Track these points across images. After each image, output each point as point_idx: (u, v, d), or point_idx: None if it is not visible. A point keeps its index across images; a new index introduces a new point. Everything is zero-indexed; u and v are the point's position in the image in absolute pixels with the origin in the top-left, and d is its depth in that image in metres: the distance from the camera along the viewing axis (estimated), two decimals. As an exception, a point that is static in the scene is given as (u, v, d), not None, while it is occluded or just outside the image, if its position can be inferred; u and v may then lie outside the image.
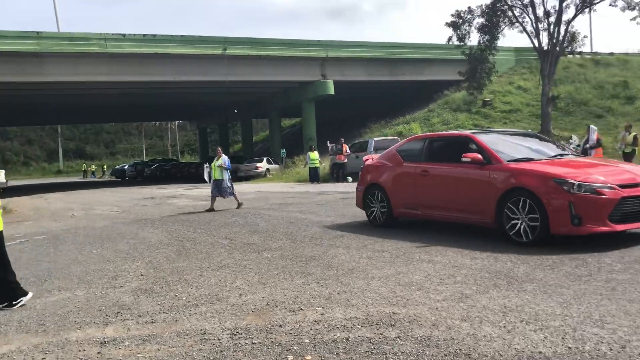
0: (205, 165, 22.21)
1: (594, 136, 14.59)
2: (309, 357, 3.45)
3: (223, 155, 14.03)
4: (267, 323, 4.16)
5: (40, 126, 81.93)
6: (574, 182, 6.12)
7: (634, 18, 25.18)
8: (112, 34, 27.83)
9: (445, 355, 3.31)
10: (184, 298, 5.06)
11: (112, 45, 27.55)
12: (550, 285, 4.70)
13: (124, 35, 28.10)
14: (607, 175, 6.36)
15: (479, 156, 7.06)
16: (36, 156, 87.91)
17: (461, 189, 7.37)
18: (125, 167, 53.09)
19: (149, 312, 4.66)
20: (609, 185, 6.11)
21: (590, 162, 7.56)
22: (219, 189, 13.44)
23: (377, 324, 3.95)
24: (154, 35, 28.86)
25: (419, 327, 3.83)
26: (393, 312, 4.20)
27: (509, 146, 7.57)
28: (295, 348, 3.62)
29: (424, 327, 3.82)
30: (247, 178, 31.32)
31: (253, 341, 3.79)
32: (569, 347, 3.31)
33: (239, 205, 13.44)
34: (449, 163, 7.70)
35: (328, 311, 4.34)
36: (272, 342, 3.76)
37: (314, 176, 23.98)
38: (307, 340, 3.73)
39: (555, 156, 7.48)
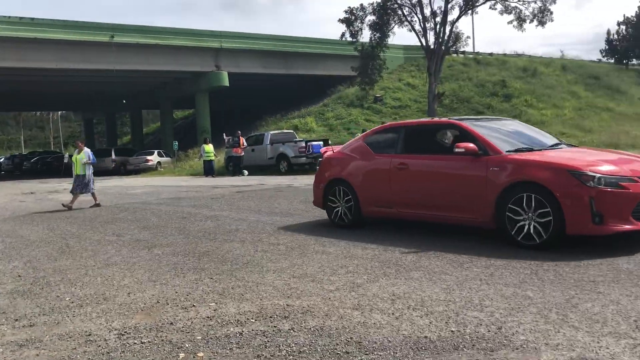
0: (64, 157, 21.04)
1: None
2: (201, 354, 3.39)
3: (85, 148, 12.92)
4: (157, 321, 4.02)
5: None
6: (595, 174, 5.36)
7: (511, 21, 27.12)
8: (-17, 15, 25.54)
9: (337, 344, 3.38)
10: (67, 299, 4.76)
11: (-16, 28, 25.29)
12: (435, 272, 4.96)
13: (-3, 16, 25.88)
14: (621, 165, 5.69)
15: (474, 146, 6.13)
16: None
17: (449, 184, 6.46)
18: (1, 160, 48.99)
19: (27, 315, 4.33)
20: (631, 177, 5.43)
21: (597, 151, 6.82)
22: (81, 185, 12.55)
23: (270, 317, 3.95)
24: (32, 19, 26.84)
25: (312, 318, 3.88)
26: (287, 305, 4.23)
27: (500, 134, 6.65)
28: (187, 345, 3.53)
29: (317, 318, 3.88)
30: (137, 172, 30.14)
31: (142, 340, 3.65)
32: (452, 331, 3.50)
33: (96, 204, 12.49)
34: (432, 155, 6.99)
35: (221, 306, 4.28)
36: (162, 340, 3.64)
37: (209, 170, 23.55)
38: (199, 337, 3.65)
39: (554, 145, 6.73)
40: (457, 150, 6.18)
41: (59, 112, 70.99)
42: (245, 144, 23.56)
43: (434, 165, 6.74)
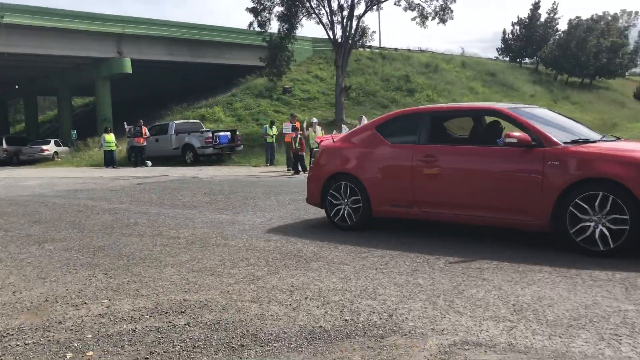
0: None
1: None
2: (91, 353, 3.26)
3: None
4: (44, 321, 3.82)
5: None
6: None
7: (414, 18, 28.06)
8: None
9: (233, 338, 3.38)
10: (-58, 301, 4.41)
11: None
12: (334, 262, 5.07)
13: None
14: None
15: (527, 137, 5.34)
16: None
17: (494, 181, 5.56)
18: None
19: None
20: None
21: None
22: None
23: (166, 313, 3.88)
24: None
25: (209, 312, 3.85)
26: (184, 299, 4.16)
27: (546, 125, 5.74)
28: (75, 345, 3.39)
29: (214, 312, 3.85)
30: (32, 162, 28.32)
31: (26, 342, 3.46)
32: (346, 320, 3.61)
33: None
34: (468, 146, 6.20)
35: (115, 303, 4.14)
36: (48, 340, 3.46)
37: (110, 160, 22.56)
38: (89, 336, 3.51)
39: (604, 136, 6.00)
40: (508, 140, 5.36)
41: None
42: (147, 133, 22.76)
43: (472, 159, 5.83)
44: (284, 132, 18.04)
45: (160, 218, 8.08)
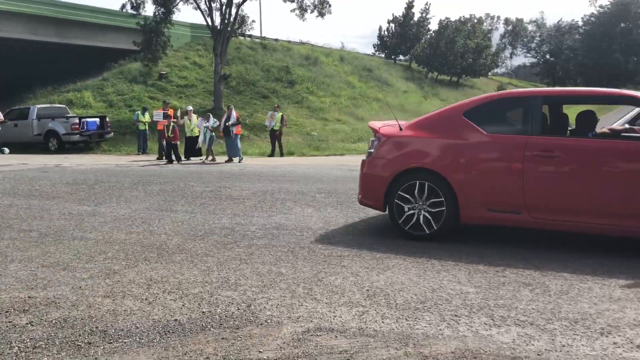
0: None
1: (234, 114, 16.00)
2: None
3: None
4: None
5: None
6: None
7: (294, 10, 28.23)
8: None
9: (80, 335, 3.20)
10: None
11: None
12: (198, 254, 4.98)
13: None
14: None
15: None
16: None
17: (632, 181, 4.72)
18: None
19: None
20: None
21: None
22: None
23: (7, 312, 3.58)
24: None
25: (56, 310, 3.61)
26: (29, 297, 3.87)
27: None
28: None
29: (62, 309, 3.62)
30: None
31: None
32: (203, 312, 3.56)
33: None
34: (605, 139, 4.99)
35: (-54, 304, 3.75)
36: None
37: (-41, 146, 20.37)
38: None
39: None
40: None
41: None
42: (1, 117, 20.84)
43: (616, 155, 4.84)
44: (154, 119, 17.40)
45: (12, 209, 7.44)
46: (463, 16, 61.54)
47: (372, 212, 6.86)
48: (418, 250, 5.02)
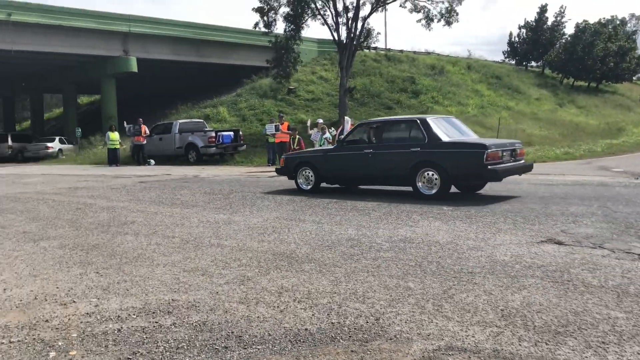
0: None
1: (347, 127, 15.74)
2: (74, 352, 3.25)
3: None
4: (31, 319, 3.82)
5: None
6: None
7: (420, 20, 27.99)
8: None
9: (217, 339, 3.36)
10: None
11: None
12: (326, 264, 5.05)
13: None
14: None
15: None
16: None
17: None
18: None
19: None
20: None
21: None
22: None
23: (153, 313, 3.87)
24: None
25: (196, 313, 3.84)
26: (172, 299, 4.15)
27: None
28: (60, 344, 3.38)
29: (201, 312, 3.84)
30: (36, 159, 28.44)
31: (11, 340, 3.45)
32: (332, 323, 3.58)
33: None
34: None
35: (103, 302, 4.13)
36: (34, 339, 3.46)
37: (113, 158, 22.63)
38: (74, 335, 3.51)
39: None
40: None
41: (-51, 92, 65.35)
42: (147, 131, 22.81)
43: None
44: (266, 132, 17.99)
45: (158, 217, 8.08)
46: (603, 18, 57.05)
47: (504, 227, 6.55)
48: (557, 269, 4.69)
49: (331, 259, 5.23)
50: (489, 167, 8.49)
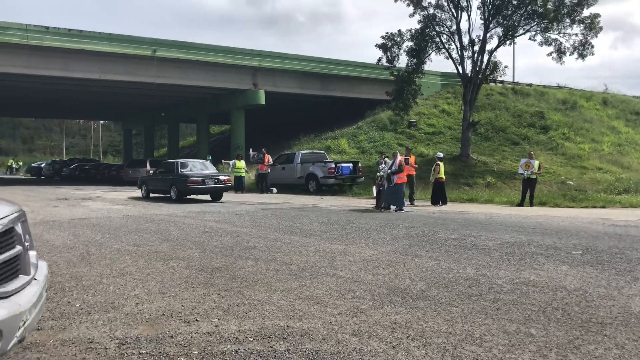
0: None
1: (397, 161, 15.13)
2: (195, 369, 3.43)
3: None
4: (158, 333, 4.09)
5: (-49, 116, 76.67)
6: None
7: (550, 53, 26.78)
8: (35, 26, 26.57)
9: (329, 369, 3.39)
10: (77, 305, 4.89)
11: (34, 38, 26.29)
12: (441, 303, 4.91)
13: (47, 27, 26.91)
14: None
15: None
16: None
17: None
18: (42, 165, 50.49)
19: (36, 319, 4.46)
20: None
21: None
22: None
23: (269, 337, 3.98)
24: (80, 31, 27.82)
25: (309, 341, 3.89)
26: (287, 326, 4.25)
27: None
28: (182, 359, 3.59)
29: (315, 341, 3.89)
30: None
31: (141, 351, 3.72)
32: (446, 364, 3.47)
33: None
34: None
35: (223, 323, 4.33)
36: (159, 352, 3.70)
37: (239, 185, 23.79)
38: (195, 352, 3.70)
39: None
40: None
41: (101, 121, 72.99)
42: (270, 160, 23.77)
43: None
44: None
45: (277, 244, 8.35)
46: None
47: (643, 276, 5.98)
48: None
49: (447, 298, 5.08)
50: None
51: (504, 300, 5.00)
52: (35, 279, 3.07)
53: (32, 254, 3.21)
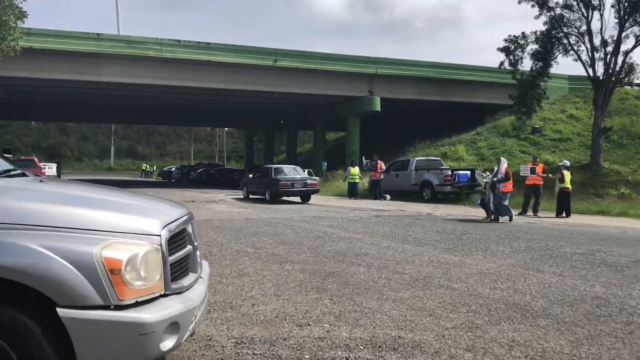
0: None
1: (502, 169, 14.01)
2: (305, 373, 3.48)
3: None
4: (272, 335, 4.20)
5: (96, 124, 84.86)
6: None
7: (697, 52, 24.24)
8: (168, 40, 28.69)
9: (441, 385, 3.28)
10: (199, 303, 5.15)
11: (167, 51, 28.41)
12: (565, 322, 4.58)
13: (179, 41, 28.94)
14: None
15: None
16: (89, 152, 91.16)
17: None
18: (172, 169, 54.33)
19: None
20: None
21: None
22: None
23: (380, 347, 3.94)
24: (208, 43, 29.61)
25: (420, 353, 3.80)
26: (399, 336, 4.18)
27: None
28: (293, 363, 3.65)
29: (426, 354, 3.79)
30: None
31: (255, 352, 3.84)
32: (570, 389, 3.22)
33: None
34: None
35: (334, 329, 4.35)
36: (273, 354, 3.80)
37: (352, 191, 23.98)
38: (307, 356, 3.75)
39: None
40: None
41: (225, 128, 77.08)
42: (383, 167, 23.65)
43: None
44: (522, 174, 16.82)
45: (389, 252, 8.28)
46: None
47: None
48: None
49: (572, 317, 4.73)
50: None
51: (638, 323, 4.56)
52: (201, 277, 3.30)
53: (197, 253, 3.43)
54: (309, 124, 42.83)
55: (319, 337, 4.14)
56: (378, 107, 32.97)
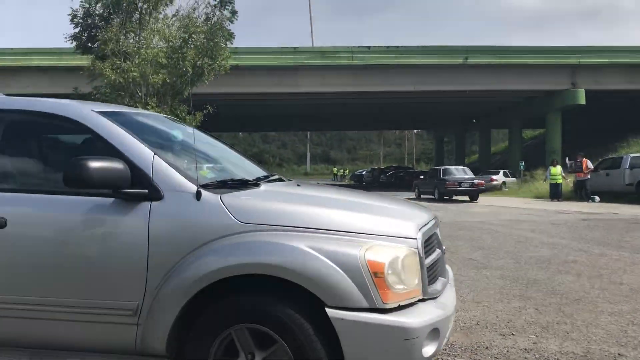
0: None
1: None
2: (512, 386, 3.28)
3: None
4: (473, 343, 4.05)
5: (294, 132, 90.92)
6: None
7: None
8: (358, 47, 29.62)
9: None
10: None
11: (358, 58, 29.34)
12: None
13: (369, 47, 29.70)
14: None
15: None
16: (288, 158, 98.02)
17: None
18: (363, 173, 55.92)
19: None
20: None
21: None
22: None
23: (596, 364, 3.57)
24: (397, 47, 29.93)
25: (648, 376, 3.36)
26: (619, 354, 3.74)
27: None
28: (498, 374, 3.47)
29: (655, 377, 3.33)
30: (482, 191, 30.43)
31: (455, 359, 3.74)
32: None
33: None
34: None
35: (542, 341, 4.05)
36: (472, 363, 3.66)
37: (555, 193, 22.23)
38: (512, 368, 3.55)
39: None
40: None
41: (414, 130, 77.10)
42: (590, 166, 21.43)
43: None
44: None
45: (602, 259, 7.48)
46: None
47: None
48: None
49: None
50: None
51: None
52: (448, 282, 3.19)
53: (445, 257, 3.38)
54: (503, 122, 40.88)
55: (525, 349, 3.89)
56: (582, 100, 30.22)
